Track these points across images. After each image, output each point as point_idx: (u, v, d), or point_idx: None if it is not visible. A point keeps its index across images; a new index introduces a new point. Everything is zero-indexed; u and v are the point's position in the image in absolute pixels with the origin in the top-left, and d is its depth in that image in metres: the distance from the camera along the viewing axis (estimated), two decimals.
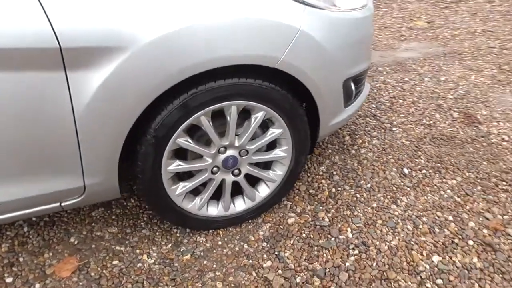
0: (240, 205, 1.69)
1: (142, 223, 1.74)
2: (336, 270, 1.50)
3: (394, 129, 2.30)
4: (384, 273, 1.48)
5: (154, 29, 1.19)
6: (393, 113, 2.44)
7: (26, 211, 1.38)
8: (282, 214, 1.76)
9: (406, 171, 1.98)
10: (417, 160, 2.05)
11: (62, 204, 1.41)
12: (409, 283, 1.45)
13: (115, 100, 1.24)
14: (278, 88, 1.47)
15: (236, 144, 1.52)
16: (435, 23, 3.90)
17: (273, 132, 1.57)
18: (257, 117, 1.50)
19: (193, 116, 1.39)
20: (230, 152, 1.54)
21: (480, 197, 1.81)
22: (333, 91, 1.62)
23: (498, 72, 2.92)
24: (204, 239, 1.66)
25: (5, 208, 1.33)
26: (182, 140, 1.43)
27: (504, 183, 1.89)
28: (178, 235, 1.68)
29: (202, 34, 1.24)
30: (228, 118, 1.46)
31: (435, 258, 1.53)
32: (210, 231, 1.69)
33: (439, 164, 2.02)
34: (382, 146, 2.16)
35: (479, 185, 1.88)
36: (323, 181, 1.93)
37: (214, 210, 1.65)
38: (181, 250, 1.62)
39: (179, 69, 1.26)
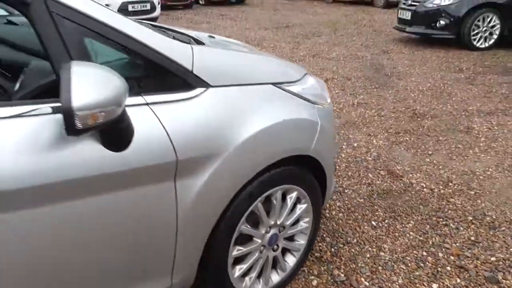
0: (275, 277, 1.89)
1: None
2: None
3: (346, 191, 2.78)
4: None
5: (243, 132, 1.43)
6: (338, 178, 2.94)
7: None
8: (304, 279, 2.01)
9: (374, 223, 2.44)
10: (377, 213, 2.54)
11: None
12: None
13: (212, 199, 1.40)
14: (306, 171, 1.80)
15: (278, 222, 1.76)
16: None
17: (301, 207, 1.86)
18: (292, 196, 1.78)
19: (254, 203, 1.61)
20: (273, 231, 1.76)
21: (433, 233, 2.36)
22: (332, 165, 2.01)
23: (388, 135, 3.74)
24: None
25: None
26: (243, 227, 1.62)
27: (441, 219, 2.49)
28: None
29: (275, 132, 1.53)
30: (274, 201, 1.71)
31: (434, 286, 1.97)
32: None
33: (393, 213, 2.54)
34: (346, 206, 2.60)
35: (427, 224, 2.44)
36: (319, 244, 2.25)
37: (258, 287, 1.82)
38: None
39: (256, 164, 1.50)
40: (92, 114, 0.91)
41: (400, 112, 4.34)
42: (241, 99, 1.50)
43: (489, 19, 7.12)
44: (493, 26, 7.17)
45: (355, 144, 3.51)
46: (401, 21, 8.10)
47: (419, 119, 4.14)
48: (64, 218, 1.12)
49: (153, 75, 1.27)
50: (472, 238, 2.31)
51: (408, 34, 8.13)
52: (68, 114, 0.88)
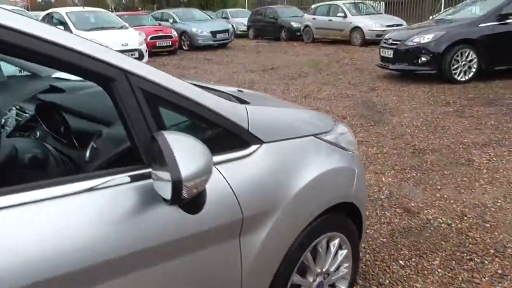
0: None
1: None
2: None
3: (368, 231, 2.82)
4: None
5: (296, 184, 1.49)
6: None
7: None
8: None
9: (402, 262, 2.48)
10: (402, 252, 2.58)
11: None
12: None
13: (272, 252, 1.44)
14: (346, 217, 1.85)
15: (323, 270, 1.79)
16: None
17: (342, 253, 1.89)
18: (335, 243, 1.82)
19: (305, 253, 1.64)
20: (319, 279, 1.79)
21: (460, 269, 2.41)
22: (365, 209, 2.07)
23: (395, 172, 3.84)
24: None
25: None
26: (295, 277, 1.64)
27: (465, 254, 2.55)
28: None
29: (323, 181, 1.60)
30: (320, 249, 1.74)
31: None
32: None
33: (418, 251, 2.58)
34: (371, 247, 2.64)
35: (453, 260, 2.49)
36: (353, 287, 2.26)
37: None
38: None
39: (309, 213, 1.55)
40: (196, 184, 0.95)
41: (401, 148, 4.47)
42: (291, 152, 1.56)
43: (466, 54, 7.49)
44: (471, 60, 7.55)
45: (366, 183, 3.58)
46: (384, 59, 8.45)
47: (420, 154, 4.27)
48: (141, 285, 1.13)
49: (218, 136, 1.33)
50: (499, 271, 2.36)
51: (390, 71, 8.46)
52: (177, 186, 0.92)
